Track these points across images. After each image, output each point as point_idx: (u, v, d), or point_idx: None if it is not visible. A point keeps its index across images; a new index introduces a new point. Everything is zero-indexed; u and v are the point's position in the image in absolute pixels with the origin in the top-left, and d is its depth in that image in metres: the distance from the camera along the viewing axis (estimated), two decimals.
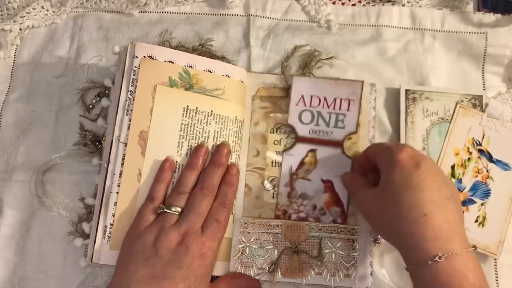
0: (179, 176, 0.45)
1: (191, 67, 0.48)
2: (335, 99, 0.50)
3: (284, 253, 0.46)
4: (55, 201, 0.50)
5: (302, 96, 0.50)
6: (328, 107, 0.50)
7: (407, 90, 0.52)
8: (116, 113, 0.46)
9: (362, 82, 0.49)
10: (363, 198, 0.43)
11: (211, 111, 0.48)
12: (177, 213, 0.43)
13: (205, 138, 0.48)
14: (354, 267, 0.46)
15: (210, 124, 0.48)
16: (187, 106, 0.47)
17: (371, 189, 0.43)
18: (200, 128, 0.48)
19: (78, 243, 0.48)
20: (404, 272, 0.47)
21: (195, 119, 0.48)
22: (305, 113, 0.50)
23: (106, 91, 0.53)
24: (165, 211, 0.43)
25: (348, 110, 0.49)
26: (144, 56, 0.47)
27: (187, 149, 0.47)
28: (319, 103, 0.50)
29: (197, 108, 0.48)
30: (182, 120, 0.47)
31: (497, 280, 0.48)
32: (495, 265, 0.48)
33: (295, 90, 0.50)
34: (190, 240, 0.41)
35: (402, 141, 0.50)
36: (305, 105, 0.50)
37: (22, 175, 0.51)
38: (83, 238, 0.48)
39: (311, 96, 0.50)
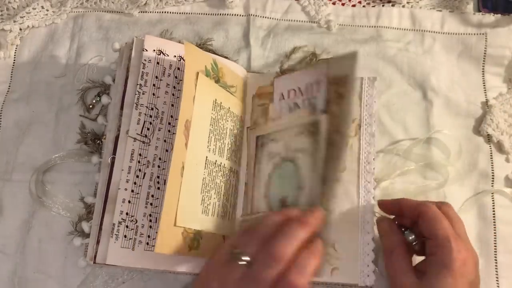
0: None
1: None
2: (306, 86, 0.49)
3: None
4: (55, 201, 0.50)
5: (282, 94, 0.50)
6: (302, 95, 0.49)
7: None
8: (122, 108, 0.45)
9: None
10: (402, 283, 0.40)
11: (229, 108, 0.47)
12: None
13: (224, 135, 0.46)
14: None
15: (227, 121, 0.46)
16: (216, 99, 0.45)
17: (414, 279, 0.40)
18: (222, 124, 0.45)
19: (77, 242, 0.48)
20: None
21: (219, 114, 0.45)
22: (284, 107, 0.49)
23: (106, 91, 0.53)
24: None
25: (317, 91, 0.48)
26: (154, 50, 0.44)
27: (214, 145, 0.45)
28: (295, 94, 0.49)
29: (221, 103, 0.46)
30: (212, 113, 0.45)
31: (497, 280, 0.48)
32: (496, 265, 0.48)
33: (276, 90, 0.50)
34: None
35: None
36: (283, 99, 0.50)
37: (22, 175, 0.51)
38: (82, 237, 0.48)
39: (288, 91, 0.49)
